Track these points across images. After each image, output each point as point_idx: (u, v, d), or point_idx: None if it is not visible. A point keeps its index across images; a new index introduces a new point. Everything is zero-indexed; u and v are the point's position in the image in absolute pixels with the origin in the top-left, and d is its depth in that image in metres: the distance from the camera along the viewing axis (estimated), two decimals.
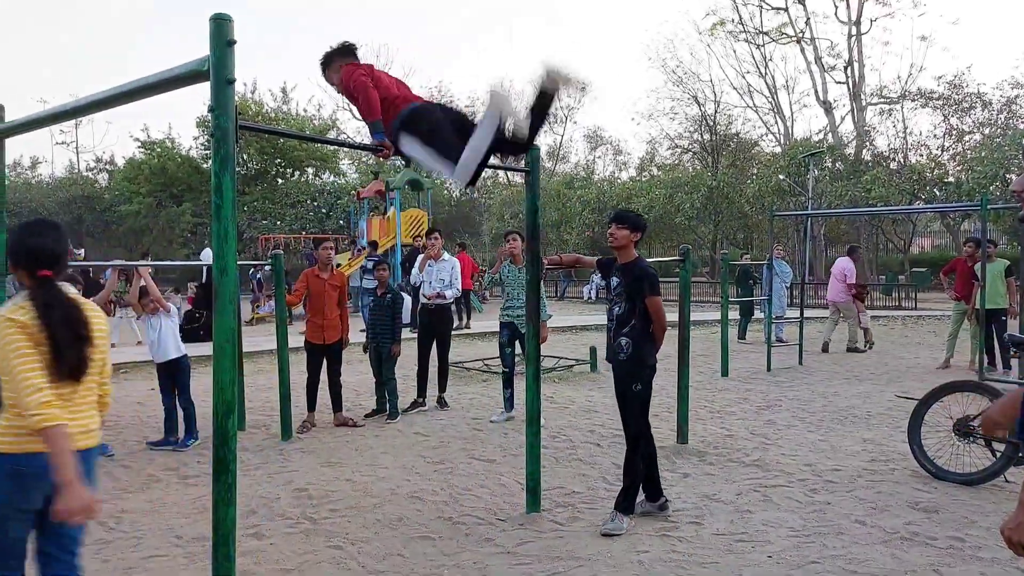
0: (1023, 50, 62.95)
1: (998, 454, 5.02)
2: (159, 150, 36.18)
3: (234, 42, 2.69)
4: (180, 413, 6.41)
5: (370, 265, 16.21)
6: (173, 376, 6.44)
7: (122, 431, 6.91)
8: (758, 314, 14.38)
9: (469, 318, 15.98)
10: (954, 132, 30.69)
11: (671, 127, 40.27)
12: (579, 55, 67.93)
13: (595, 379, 9.67)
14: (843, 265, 12.27)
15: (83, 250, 20.42)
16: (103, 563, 3.93)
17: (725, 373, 9.79)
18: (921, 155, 31.64)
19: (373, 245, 18.12)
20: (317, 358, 7.14)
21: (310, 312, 7.24)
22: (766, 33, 37.01)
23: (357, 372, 9.06)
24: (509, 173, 38.45)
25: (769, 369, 10.33)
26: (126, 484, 5.32)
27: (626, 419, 4.53)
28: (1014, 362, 9.20)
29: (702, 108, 36.97)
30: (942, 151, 31.02)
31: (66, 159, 73.16)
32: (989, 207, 9.32)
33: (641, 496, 4.62)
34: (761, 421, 7.18)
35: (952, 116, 30.50)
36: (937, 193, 27.60)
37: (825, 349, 12.14)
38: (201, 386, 7.59)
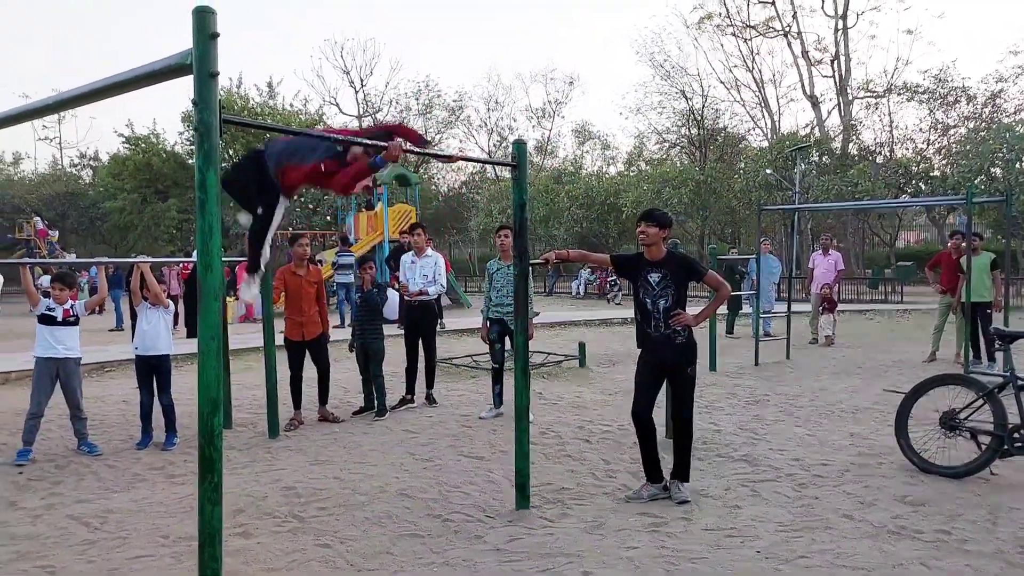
0: (1007, 44, 63.43)
1: (983, 447, 5.05)
2: (144, 145, 35.91)
3: (217, 35, 2.66)
4: (161, 410, 6.36)
5: (341, 261, 16.11)
6: (154, 372, 6.37)
7: (107, 430, 6.85)
8: (746, 308, 14.43)
9: (441, 317, 15.58)
10: (939, 126, 30.94)
11: (659, 121, 40.29)
12: (567, 48, 67.97)
13: (584, 375, 9.67)
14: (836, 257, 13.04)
15: (74, 253, 19.96)
16: (88, 564, 3.89)
17: (713, 368, 9.82)
18: (907, 149, 31.93)
19: (344, 241, 18.03)
20: (298, 355, 7.11)
21: (288, 310, 7.17)
22: (753, 27, 37.18)
23: (344, 369, 9.02)
24: (497, 168, 38.39)
25: (757, 364, 10.37)
26: (111, 484, 5.27)
27: (686, 401, 4.77)
28: (999, 355, 9.28)
29: (689, 102, 37.10)
30: (927, 145, 31.29)
31: (49, 155, 72.47)
32: (974, 201, 9.38)
33: (643, 481, 4.87)
34: (749, 416, 7.20)
35: (937, 110, 30.77)
36: (923, 187, 27.84)
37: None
38: (186, 384, 7.52)
